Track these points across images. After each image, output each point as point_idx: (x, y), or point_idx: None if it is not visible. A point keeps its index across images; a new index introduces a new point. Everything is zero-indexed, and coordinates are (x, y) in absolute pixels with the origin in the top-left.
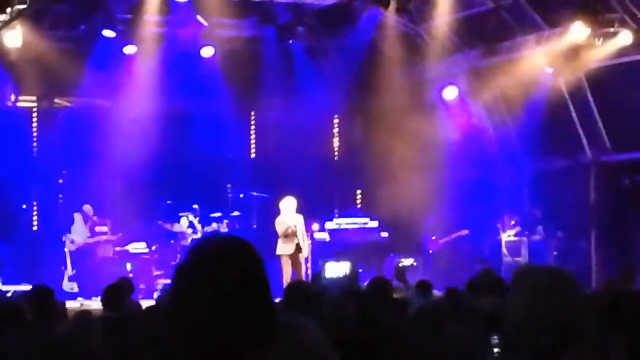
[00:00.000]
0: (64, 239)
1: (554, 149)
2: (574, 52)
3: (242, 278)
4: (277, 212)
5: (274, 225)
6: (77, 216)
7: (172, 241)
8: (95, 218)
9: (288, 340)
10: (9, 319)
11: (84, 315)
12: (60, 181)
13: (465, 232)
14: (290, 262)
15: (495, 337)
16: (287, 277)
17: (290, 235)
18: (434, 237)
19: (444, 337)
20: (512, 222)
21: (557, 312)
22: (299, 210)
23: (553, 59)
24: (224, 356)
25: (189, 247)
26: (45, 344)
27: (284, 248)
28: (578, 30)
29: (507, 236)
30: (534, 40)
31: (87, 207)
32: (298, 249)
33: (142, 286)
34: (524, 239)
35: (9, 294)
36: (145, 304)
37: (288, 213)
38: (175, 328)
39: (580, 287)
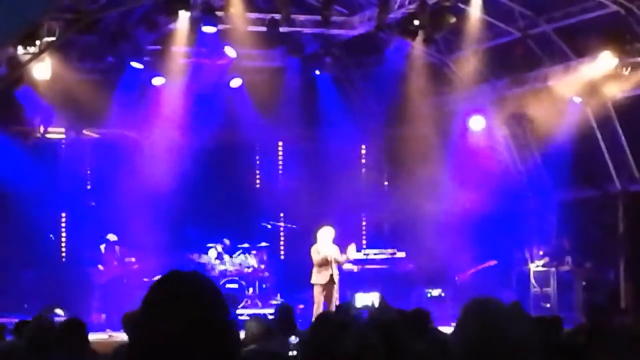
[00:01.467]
0: (92, 269)
1: (582, 179)
2: (602, 82)
3: (198, 312)
4: (306, 242)
5: (309, 253)
6: (104, 248)
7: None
8: (118, 248)
9: None
10: (39, 345)
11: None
12: (93, 203)
13: (493, 262)
14: (323, 291)
15: None
16: (318, 306)
17: (325, 265)
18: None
19: None
20: (541, 253)
21: (488, 341)
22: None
23: (581, 88)
24: None
25: (158, 281)
26: None
27: (318, 277)
28: (606, 60)
29: (535, 267)
30: (561, 70)
31: (110, 236)
32: (332, 279)
33: None
34: (552, 269)
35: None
36: None
37: (325, 242)
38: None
39: (518, 318)
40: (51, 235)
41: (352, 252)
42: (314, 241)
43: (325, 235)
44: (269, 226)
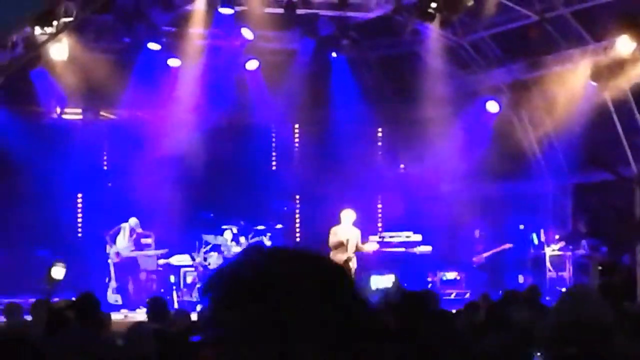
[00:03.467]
0: (108, 250)
1: (595, 163)
2: (620, 66)
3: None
4: (321, 225)
5: (327, 235)
6: (123, 228)
7: (216, 253)
8: (140, 230)
9: None
10: (56, 324)
11: (139, 327)
12: (110, 184)
13: (509, 245)
14: None
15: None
16: None
17: (339, 247)
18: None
19: (481, 349)
20: (557, 237)
21: (579, 325)
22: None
23: (598, 72)
24: None
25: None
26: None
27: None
28: (624, 45)
29: (552, 250)
30: (578, 54)
31: (134, 221)
32: (346, 263)
33: (185, 298)
34: (568, 253)
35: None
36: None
37: (345, 225)
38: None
39: (604, 304)
40: (68, 216)
41: (370, 247)
42: (331, 223)
43: (346, 218)
44: (285, 208)
